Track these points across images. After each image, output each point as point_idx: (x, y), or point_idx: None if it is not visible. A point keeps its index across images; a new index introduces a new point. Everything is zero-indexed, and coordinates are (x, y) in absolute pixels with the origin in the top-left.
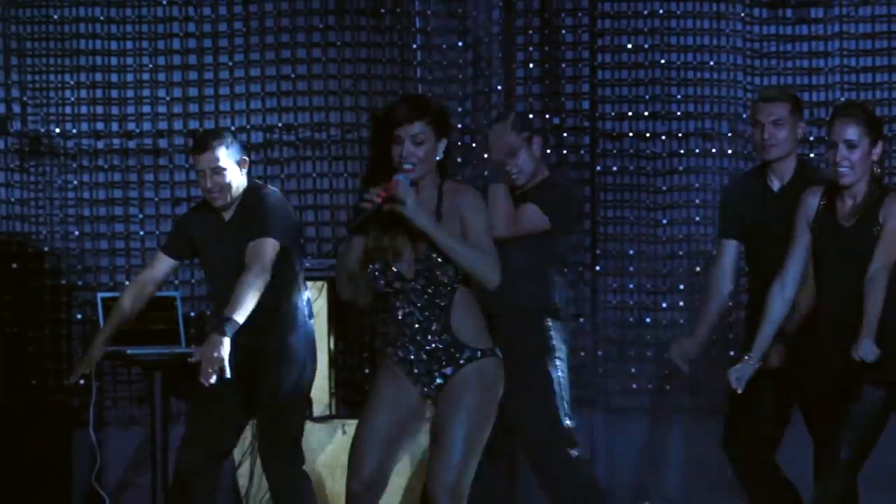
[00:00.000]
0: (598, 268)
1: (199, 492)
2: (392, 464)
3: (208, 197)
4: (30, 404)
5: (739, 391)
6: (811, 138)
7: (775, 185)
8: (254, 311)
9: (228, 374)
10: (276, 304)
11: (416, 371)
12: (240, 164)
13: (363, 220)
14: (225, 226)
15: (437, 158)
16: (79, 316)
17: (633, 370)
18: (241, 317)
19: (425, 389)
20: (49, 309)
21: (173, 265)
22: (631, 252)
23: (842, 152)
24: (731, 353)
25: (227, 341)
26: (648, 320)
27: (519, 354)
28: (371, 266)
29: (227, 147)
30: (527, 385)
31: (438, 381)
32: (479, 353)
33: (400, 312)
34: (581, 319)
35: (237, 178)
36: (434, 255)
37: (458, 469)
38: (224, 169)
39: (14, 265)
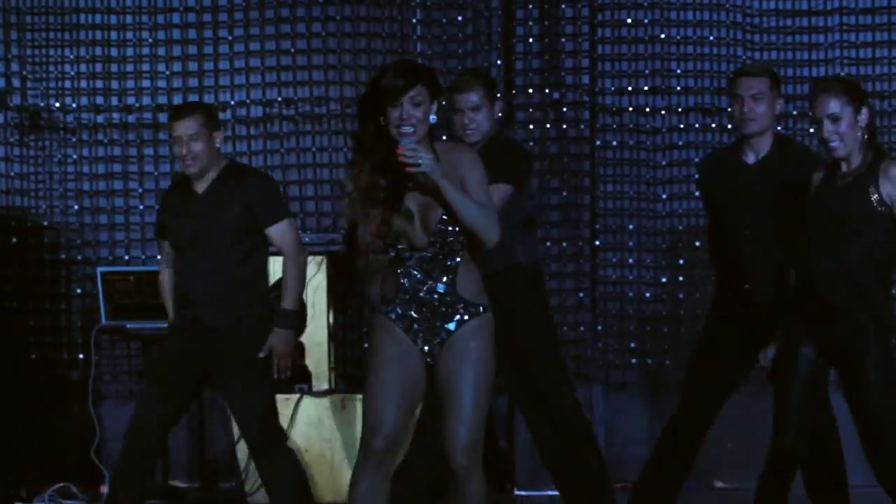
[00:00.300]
0: (597, 242)
1: (148, 458)
2: (408, 422)
3: (182, 165)
4: (29, 378)
5: None
6: (794, 112)
7: (750, 158)
8: (227, 285)
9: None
10: (253, 278)
11: (416, 327)
12: (215, 135)
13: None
14: (197, 198)
15: (431, 121)
16: (78, 290)
17: (632, 345)
18: (294, 306)
19: (426, 348)
20: (49, 283)
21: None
22: (631, 227)
23: (827, 127)
24: None
25: (290, 334)
26: (648, 295)
27: (516, 309)
28: (379, 241)
29: (204, 116)
30: (533, 336)
31: (443, 336)
32: (480, 308)
33: (405, 278)
34: (581, 294)
35: (212, 149)
36: (448, 226)
37: (473, 426)
38: (199, 136)
39: (14, 239)
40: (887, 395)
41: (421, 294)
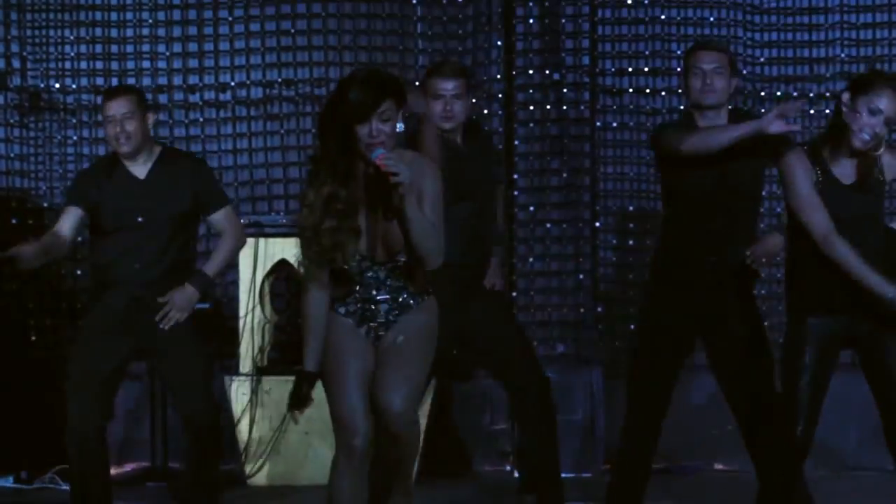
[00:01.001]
0: (597, 224)
1: (98, 445)
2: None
3: (115, 144)
4: (29, 360)
5: None
6: (810, 94)
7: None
8: (166, 268)
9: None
10: (189, 262)
11: (366, 316)
12: (148, 116)
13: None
14: (140, 183)
15: (399, 129)
16: (78, 272)
17: (632, 327)
18: (212, 274)
19: (372, 333)
20: (48, 265)
21: (81, 216)
22: (631, 208)
23: (869, 121)
24: None
25: (197, 295)
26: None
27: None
28: (330, 255)
29: (137, 97)
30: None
31: (391, 324)
32: (424, 296)
33: (358, 285)
34: (581, 276)
35: (145, 130)
36: (405, 247)
37: (409, 384)
38: (133, 116)
39: (14, 221)
40: None
41: (373, 293)
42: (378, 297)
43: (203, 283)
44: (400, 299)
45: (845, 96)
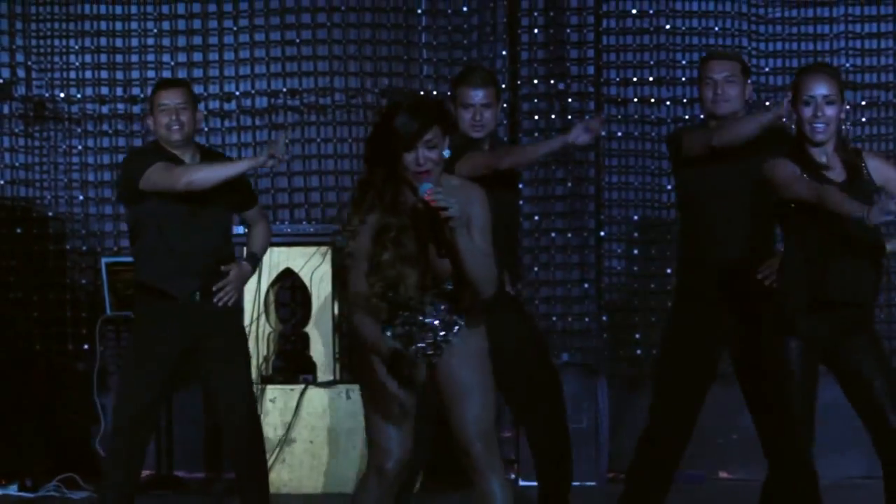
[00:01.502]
0: (602, 233)
1: (141, 446)
2: (412, 433)
3: (165, 133)
4: (34, 369)
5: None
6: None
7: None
8: (212, 265)
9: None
10: (230, 260)
11: (414, 338)
12: (198, 114)
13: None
14: None
15: (445, 155)
16: (83, 281)
17: (637, 336)
18: (260, 256)
19: (420, 355)
20: (53, 273)
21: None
22: (636, 218)
23: (823, 109)
24: None
25: (251, 274)
26: (653, 286)
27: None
28: (372, 281)
29: (191, 92)
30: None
31: (442, 347)
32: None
33: (404, 304)
34: (586, 285)
35: (195, 124)
36: (455, 279)
37: (486, 415)
38: (187, 109)
39: (18, 230)
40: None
41: (421, 318)
42: (426, 320)
43: (255, 263)
44: (447, 319)
45: (787, 105)
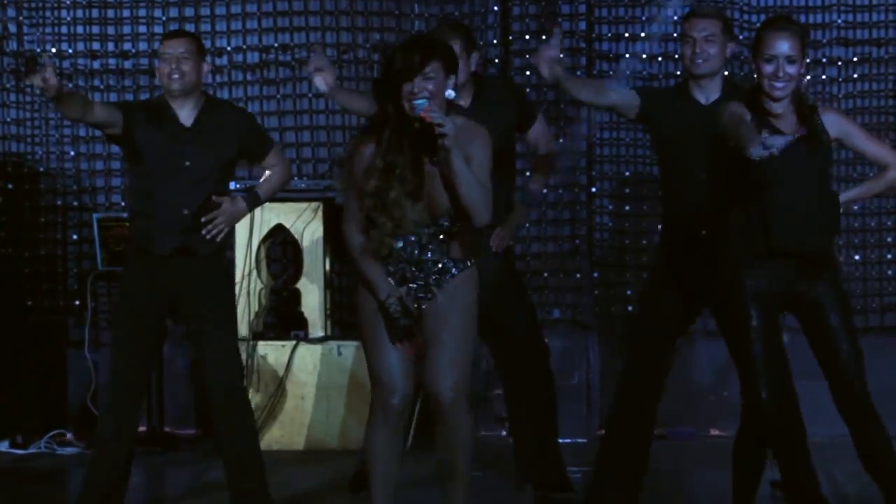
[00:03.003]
0: (593, 189)
1: (136, 406)
2: (412, 373)
3: (166, 82)
4: (25, 325)
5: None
6: (807, 60)
7: (702, 99)
8: (196, 222)
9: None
10: None
11: (410, 285)
12: (203, 65)
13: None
14: (186, 129)
15: (448, 96)
16: (74, 236)
17: (628, 293)
18: (264, 197)
19: (412, 295)
20: (45, 229)
21: (116, 118)
22: (627, 174)
23: (784, 68)
24: None
25: (246, 211)
26: (644, 242)
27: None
28: (381, 219)
29: (196, 42)
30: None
31: (434, 292)
32: (468, 263)
33: (400, 242)
34: (577, 241)
35: (198, 75)
36: (451, 208)
37: (459, 365)
38: (189, 59)
39: (10, 185)
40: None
41: (416, 254)
42: (419, 258)
43: (254, 202)
44: (440, 264)
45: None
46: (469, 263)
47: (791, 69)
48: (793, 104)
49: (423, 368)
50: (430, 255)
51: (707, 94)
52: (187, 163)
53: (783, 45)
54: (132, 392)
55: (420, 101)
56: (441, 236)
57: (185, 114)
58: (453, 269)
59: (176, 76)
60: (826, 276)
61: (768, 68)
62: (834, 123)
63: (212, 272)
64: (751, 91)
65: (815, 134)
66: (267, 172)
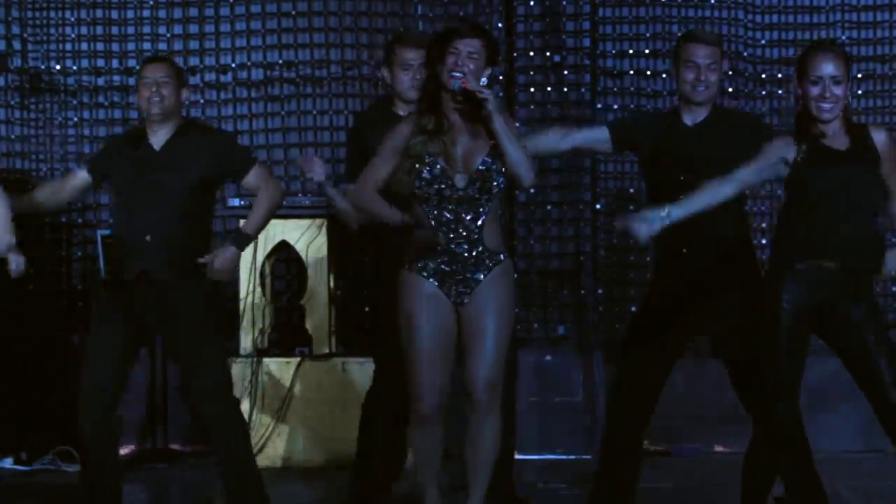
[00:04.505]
0: (598, 206)
1: (109, 425)
2: (449, 374)
3: (146, 106)
4: (30, 341)
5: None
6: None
7: (688, 121)
8: (178, 242)
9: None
10: (204, 236)
11: (449, 280)
12: (182, 91)
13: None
14: (155, 152)
15: (482, 83)
16: (79, 253)
17: (633, 309)
18: (252, 232)
19: (460, 299)
20: (49, 246)
21: (86, 181)
22: (631, 190)
23: (830, 89)
24: None
25: (238, 256)
26: (649, 259)
27: None
28: (422, 168)
29: (175, 68)
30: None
31: (472, 286)
32: (501, 257)
33: (434, 221)
34: (581, 258)
35: (177, 101)
36: (494, 165)
37: (495, 363)
38: (168, 84)
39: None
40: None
41: (452, 247)
42: (457, 251)
43: (242, 242)
44: (475, 252)
45: (793, 86)
46: (502, 257)
47: (838, 90)
48: (843, 124)
49: (462, 367)
50: (465, 246)
51: (695, 116)
52: (152, 188)
53: (828, 67)
54: (101, 414)
55: (458, 74)
56: (478, 208)
57: (158, 139)
58: (487, 261)
59: (156, 100)
60: (865, 293)
61: (815, 90)
62: (881, 143)
63: (178, 297)
64: (798, 116)
65: (865, 151)
66: (256, 201)
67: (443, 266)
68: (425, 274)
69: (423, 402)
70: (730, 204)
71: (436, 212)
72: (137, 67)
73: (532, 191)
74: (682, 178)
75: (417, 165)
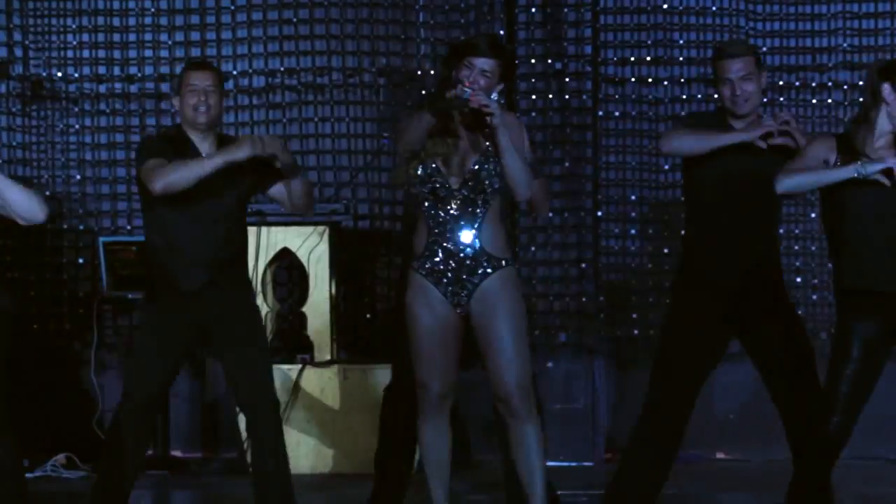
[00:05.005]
0: (599, 213)
1: (141, 437)
2: (455, 366)
3: (192, 115)
4: (31, 348)
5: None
6: (813, 84)
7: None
8: (233, 251)
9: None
10: (247, 245)
11: (444, 280)
12: (223, 100)
13: (447, 105)
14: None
15: (493, 98)
16: (80, 260)
17: (634, 316)
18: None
19: (455, 299)
20: (50, 253)
21: None
22: (633, 197)
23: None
24: None
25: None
26: (651, 266)
27: None
28: (421, 166)
29: (220, 77)
30: None
31: (468, 288)
32: (503, 262)
33: (432, 221)
34: (583, 265)
35: (221, 109)
36: (486, 166)
37: (522, 366)
38: (215, 92)
39: None
40: None
41: (449, 246)
42: (453, 251)
43: (296, 173)
44: (472, 254)
45: (886, 88)
46: (504, 262)
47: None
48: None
49: (488, 374)
50: (461, 244)
51: (741, 124)
52: (211, 199)
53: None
54: (144, 420)
55: (467, 90)
56: (475, 210)
57: (206, 149)
58: (485, 265)
59: (203, 109)
60: None
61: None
62: None
63: (238, 302)
64: (848, 133)
65: None
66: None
67: (439, 265)
68: (423, 272)
69: (428, 389)
70: (764, 224)
71: (433, 212)
72: (139, 75)
73: None
74: (727, 188)
75: (419, 163)
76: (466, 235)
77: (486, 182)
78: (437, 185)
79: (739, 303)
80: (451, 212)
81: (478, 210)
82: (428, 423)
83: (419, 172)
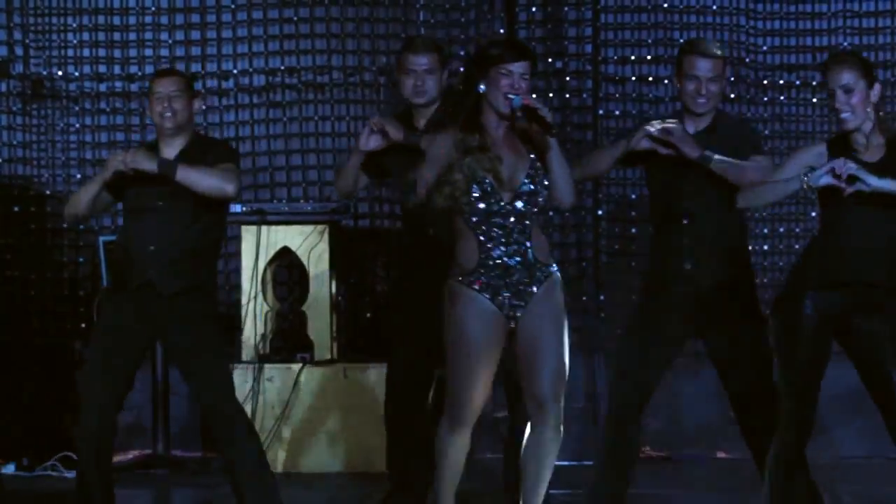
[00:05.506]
0: (599, 212)
1: (107, 438)
2: (490, 383)
3: (159, 121)
4: (32, 347)
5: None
6: (814, 83)
7: (690, 128)
8: (180, 253)
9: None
10: (210, 247)
11: (502, 295)
12: (194, 102)
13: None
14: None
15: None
16: (80, 259)
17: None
18: (183, 173)
19: (513, 312)
20: (51, 252)
21: (110, 201)
22: (633, 196)
23: (840, 98)
24: None
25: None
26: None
27: None
28: (472, 185)
29: (186, 80)
30: None
31: (527, 300)
32: (552, 269)
33: (484, 236)
34: (584, 264)
35: (189, 114)
36: (537, 178)
37: (564, 377)
38: (180, 97)
39: (16, 208)
40: None
41: (503, 260)
42: (510, 263)
43: (166, 165)
44: (527, 264)
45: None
46: (552, 268)
47: (854, 99)
48: (877, 133)
49: (525, 381)
50: (516, 256)
51: (697, 124)
52: (160, 202)
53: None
54: (106, 417)
55: (516, 98)
56: (525, 222)
57: (170, 152)
58: (538, 274)
59: (168, 115)
60: (883, 308)
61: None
62: None
63: (179, 309)
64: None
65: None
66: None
67: (495, 279)
68: (477, 287)
69: (466, 408)
70: (732, 215)
71: (484, 227)
72: (139, 73)
73: None
74: (683, 186)
75: (467, 183)
76: (520, 248)
77: (539, 197)
78: (493, 202)
79: (705, 304)
80: (506, 226)
81: (528, 222)
82: (455, 436)
83: (475, 192)
